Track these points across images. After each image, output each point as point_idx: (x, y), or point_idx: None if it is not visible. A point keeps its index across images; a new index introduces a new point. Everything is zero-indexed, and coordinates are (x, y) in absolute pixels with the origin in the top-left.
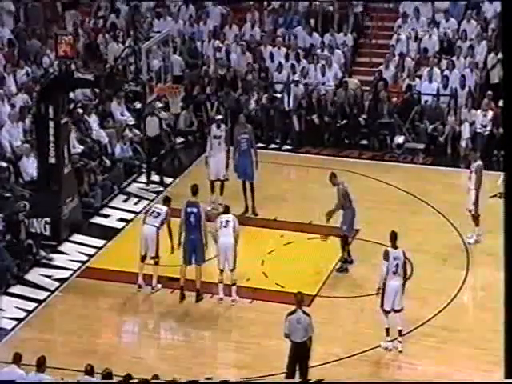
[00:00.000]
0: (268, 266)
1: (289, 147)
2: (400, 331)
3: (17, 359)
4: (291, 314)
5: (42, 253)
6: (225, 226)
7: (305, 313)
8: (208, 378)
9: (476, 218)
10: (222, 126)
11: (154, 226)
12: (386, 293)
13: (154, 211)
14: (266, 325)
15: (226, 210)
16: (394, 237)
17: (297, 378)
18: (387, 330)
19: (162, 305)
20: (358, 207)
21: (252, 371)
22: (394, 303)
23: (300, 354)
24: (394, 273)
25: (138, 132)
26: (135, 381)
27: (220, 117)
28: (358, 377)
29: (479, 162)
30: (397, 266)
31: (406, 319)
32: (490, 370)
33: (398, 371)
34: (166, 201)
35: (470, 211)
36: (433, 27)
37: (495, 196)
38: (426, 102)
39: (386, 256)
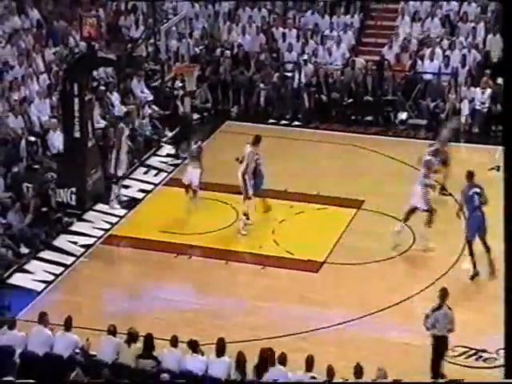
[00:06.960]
0: (279, 235)
1: (299, 123)
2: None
3: (42, 318)
4: (437, 309)
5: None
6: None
7: (449, 308)
8: (220, 339)
9: None
10: None
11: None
12: None
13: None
14: (276, 290)
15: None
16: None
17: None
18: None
19: (181, 271)
20: (363, 180)
21: (267, 332)
22: None
23: (440, 348)
24: None
25: (156, 108)
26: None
27: None
28: (372, 336)
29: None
30: None
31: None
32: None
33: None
34: None
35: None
36: (435, 9)
37: (493, 169)
38: (428, 80)
39: None
